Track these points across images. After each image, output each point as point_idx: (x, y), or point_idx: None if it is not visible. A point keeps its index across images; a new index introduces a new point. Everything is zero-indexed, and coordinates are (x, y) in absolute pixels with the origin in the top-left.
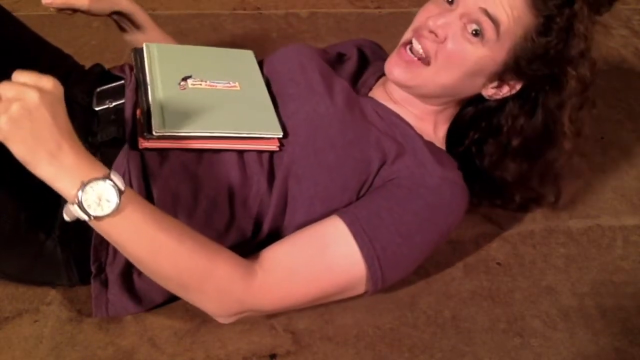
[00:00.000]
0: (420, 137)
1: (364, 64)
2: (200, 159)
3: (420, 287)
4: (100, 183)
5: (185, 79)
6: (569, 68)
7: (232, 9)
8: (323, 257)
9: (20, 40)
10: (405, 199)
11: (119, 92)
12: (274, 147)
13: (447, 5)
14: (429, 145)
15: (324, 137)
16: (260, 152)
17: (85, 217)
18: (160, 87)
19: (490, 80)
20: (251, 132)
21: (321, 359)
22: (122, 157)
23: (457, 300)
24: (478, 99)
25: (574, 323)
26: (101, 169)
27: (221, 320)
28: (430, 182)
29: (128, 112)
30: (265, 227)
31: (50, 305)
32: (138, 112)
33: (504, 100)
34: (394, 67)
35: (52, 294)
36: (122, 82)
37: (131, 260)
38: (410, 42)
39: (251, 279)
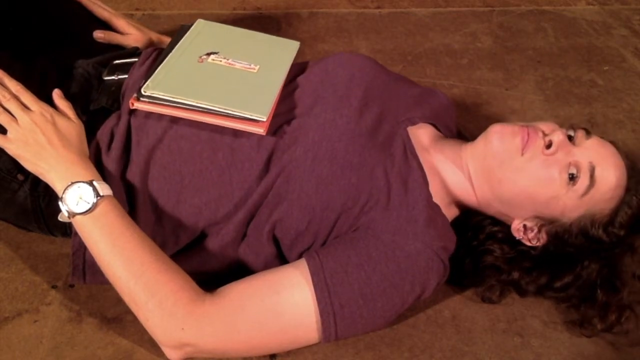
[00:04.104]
0: (429, 195)
1: (423, 99)
2: (187, 134)
3: None
4: (83, 185)
5: (209, 54)
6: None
7: (232, 9)
8: (274, 301)
9: (70, 10)
10: (377, 258)
11: (129, 68)
12: (260, 130)
13: (567, 138)
14: (433, 206)
15: (329, 148)
16: (259, 140)
17: (65, 213)
18: (178, 56)
19: (533, 217)
20: (235, 111)
21: (321, 359)
22: (107, 124)
23: (457, 300)
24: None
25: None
26: (91, 174)
27: (167, 352)
28: (411, 245)
29: (124, 87)
30: (243, 213)
31: (50, 305)
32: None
33: (517, 241)
34: (497, 134)
35: (52, 294)
36: (137, 59)
37: (97, 261)
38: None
39: (197, 305)
